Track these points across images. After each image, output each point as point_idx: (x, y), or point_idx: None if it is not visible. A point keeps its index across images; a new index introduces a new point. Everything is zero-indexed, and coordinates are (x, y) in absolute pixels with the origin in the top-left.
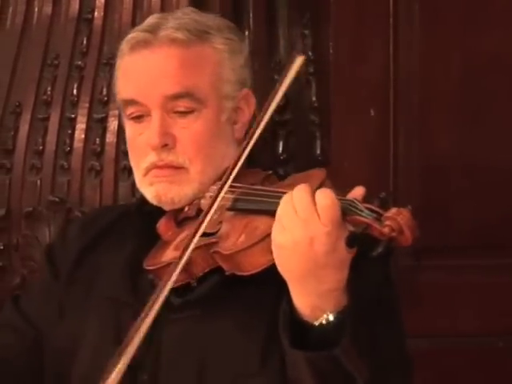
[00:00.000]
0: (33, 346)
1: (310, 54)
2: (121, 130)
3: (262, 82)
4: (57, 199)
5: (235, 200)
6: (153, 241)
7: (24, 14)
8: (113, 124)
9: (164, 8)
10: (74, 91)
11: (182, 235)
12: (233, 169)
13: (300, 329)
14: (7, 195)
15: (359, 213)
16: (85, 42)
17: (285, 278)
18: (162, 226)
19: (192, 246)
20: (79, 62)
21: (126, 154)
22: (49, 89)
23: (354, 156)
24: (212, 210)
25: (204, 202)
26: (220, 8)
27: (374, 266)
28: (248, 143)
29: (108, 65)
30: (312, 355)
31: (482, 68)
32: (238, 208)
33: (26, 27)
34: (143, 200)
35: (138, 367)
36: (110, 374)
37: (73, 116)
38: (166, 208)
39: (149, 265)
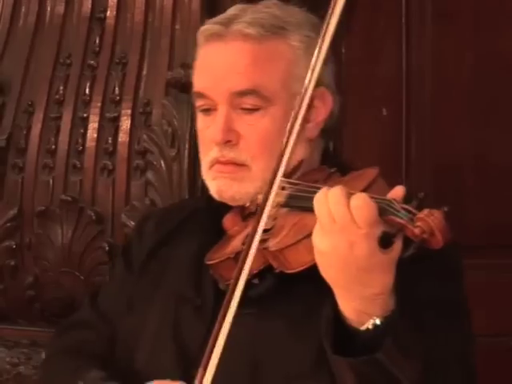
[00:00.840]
0: (109, 343)
1: None
2: (133, 129)
3: None
4: (69, 198)
5: (289, 197)
6: (219, 236)
7: (36, 13)
8: (125, 123)
9: (176, 7)
10: (87, 90)
11: (247, 230)
12: (279, 163)
13: (345, 334)
14: (19, 194)
15: (396, 213)
16: (97, 41)
17: (329, 284)
18: (228, 220)
19: (254, 244)
20: (91, 62)
21: (138, 153)
22: (61, 88)
23: (367, 155)
24: (267, 209)
25: (260, 197)
26: None
27: (425, 267)
28: (293, 123)
29: (120, 64)
30: (354, 361)
31: (494, 67)
32: (291, 205)
33: (38, 26)
34: (211, 195)
35: (193, 362)
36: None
37: (85, 115)
38: (229, 203)
39: (209, 259)
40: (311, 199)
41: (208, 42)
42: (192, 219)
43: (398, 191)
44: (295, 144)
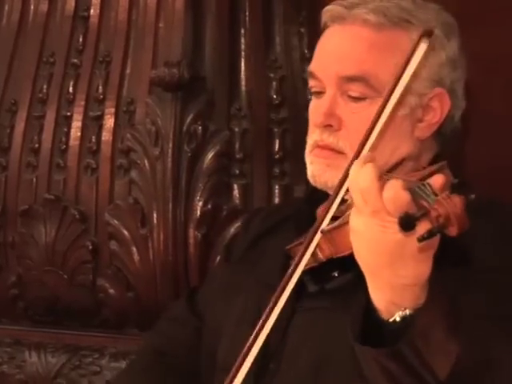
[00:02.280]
0: (195, 335)
1: (305, 52)
2: (117, 128)
3: (257, 81)
4: (52, 197)
5: None
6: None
7: (20, 11)
8: (108, 122)
9: (160, 6)
10: (70, 89)
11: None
12: (359, 149)
13: (375, 326)
14: (3, 193)
15: (425, 197)
16: (81, 39)
17: (362, 269)
18: (320, 210)
19: (320, 228)
20: (75, 60)
21: (121, 152)
22: (45, 87)
23: None
24: (339, 195)
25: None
26: (216, 6)
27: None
28: (371, 130)
29: (104, 62)
30: (374, 350)
31: (486, 69)
32: None
33: (21, 25)
34: (314, 187)
35: (269, 355)
36: (241, 365)
37: (68, 114)
38: (324, 190)
39: (288, 245)
40: None
41: (330, 24)
42: (295, 215)
43: (437, 178)
44: (402, 143)
